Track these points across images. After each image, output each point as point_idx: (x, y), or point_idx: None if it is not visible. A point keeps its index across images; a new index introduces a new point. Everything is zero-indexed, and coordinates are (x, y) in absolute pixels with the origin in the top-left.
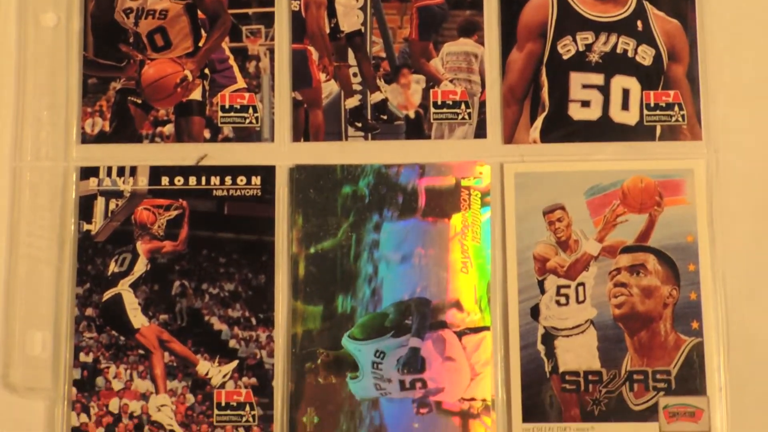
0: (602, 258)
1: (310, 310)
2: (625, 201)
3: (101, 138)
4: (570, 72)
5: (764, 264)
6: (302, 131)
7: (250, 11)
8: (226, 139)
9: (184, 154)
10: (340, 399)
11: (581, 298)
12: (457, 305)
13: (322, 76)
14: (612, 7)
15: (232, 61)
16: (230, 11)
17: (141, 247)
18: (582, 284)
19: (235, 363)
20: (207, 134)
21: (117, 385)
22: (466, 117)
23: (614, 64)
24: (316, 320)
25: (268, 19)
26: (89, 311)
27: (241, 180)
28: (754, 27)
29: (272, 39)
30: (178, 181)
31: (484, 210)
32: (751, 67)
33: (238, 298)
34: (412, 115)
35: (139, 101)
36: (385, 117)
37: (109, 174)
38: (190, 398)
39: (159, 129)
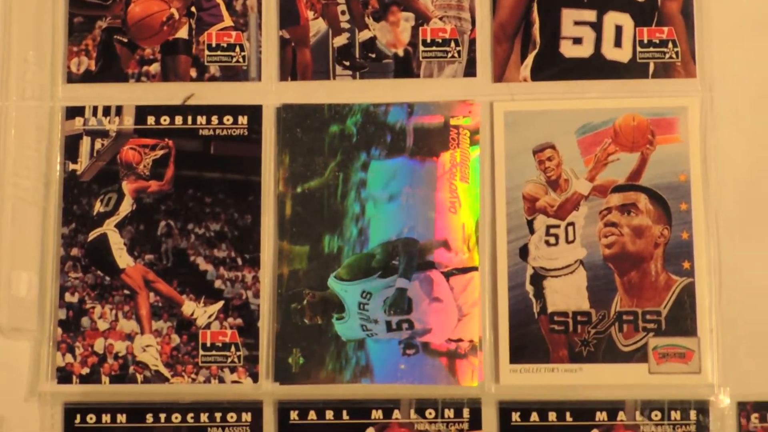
0: (593, 197)
1: (297, 250)
2: (617, 139)
3: (87, 77)
4: (562, 8)
5: (757, 203)
6: (290, 70)
7: None
8: (213, 78)
9: (171, 93)
10: (325, 340)
11: (571, 238)
12: (445, 245)
13: (310, 14)
14: None
15: None
16: None
17: (127, 186)
18: (572, 224)
19: (220, 303)
20: (193, 73)
21: (102, 326)
22: (456, 55)
23: (607, 0)
24: (303, 261)
25: None
26: (75, 251)
27: (228, 119)
28: None
29: None
30: (164, 120)
31: (473, 149)
32: (746, 4)
33: (224, 238)
34: (401, 53)
35: (125, 40)
36: (373, 55)
37: (94, 113)
38: (176, 338)
39: (145, 68)
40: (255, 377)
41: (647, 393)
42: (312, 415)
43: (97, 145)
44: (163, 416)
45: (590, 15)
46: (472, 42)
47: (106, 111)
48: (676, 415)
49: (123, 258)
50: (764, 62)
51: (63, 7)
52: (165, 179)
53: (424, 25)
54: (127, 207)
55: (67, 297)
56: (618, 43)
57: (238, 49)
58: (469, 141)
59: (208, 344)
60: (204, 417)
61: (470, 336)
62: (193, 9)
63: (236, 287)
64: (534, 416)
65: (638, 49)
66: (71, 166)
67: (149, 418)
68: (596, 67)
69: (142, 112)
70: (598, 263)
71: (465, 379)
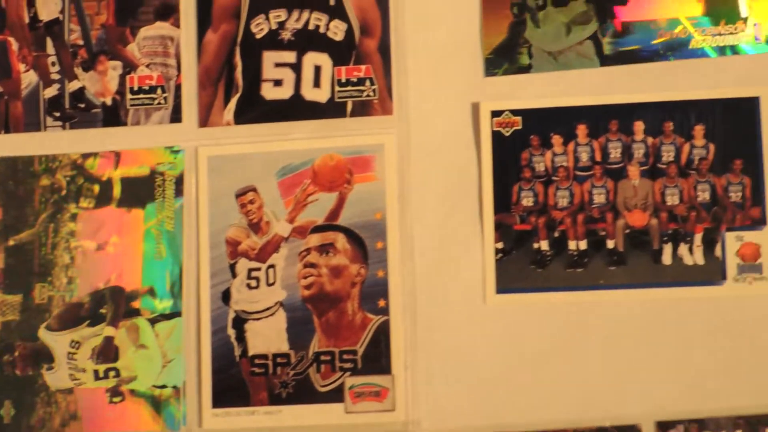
0: (293, 239)
1: (9, 300)
2: (316, 180)
3: None
4: (263, 51)
5: (451, 240)
6: (2, 123)
7: None
8: None
9: None
10: (35, 390)
11: (271, 280)
12: (151, 292)
13: (22, 67)
14: None
15: None
16: None
17: None
18: (272, 266)
19: None
20: None
21: None
22: (162, 101)
23: (306, 40)
24: (15, 311)
25: None
26: None
27: None
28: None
29: None
30: None
31: (177, 196)
32: (441, 41)
33: None
34: (108, 102)
35: None
36: (82, 105)
37: None
38: None
39: None
40: None
41: None
42: None
43: None
44: None
45: (290, 56)
46: (178, 88)
47: None
48: None
49: None
50: (458, 97)
51: None
52: None
53: (132, 73)
54: None
55: None
56: (317, 83)
57: None
58: (174, 189)
59: None
60: None
61: (174, 381)
62: None
63: None
64: None
65: (336, 88)
66: None
67: None
68: (296, 108)
69: None
70: (298, 305)
71: (169, 425)
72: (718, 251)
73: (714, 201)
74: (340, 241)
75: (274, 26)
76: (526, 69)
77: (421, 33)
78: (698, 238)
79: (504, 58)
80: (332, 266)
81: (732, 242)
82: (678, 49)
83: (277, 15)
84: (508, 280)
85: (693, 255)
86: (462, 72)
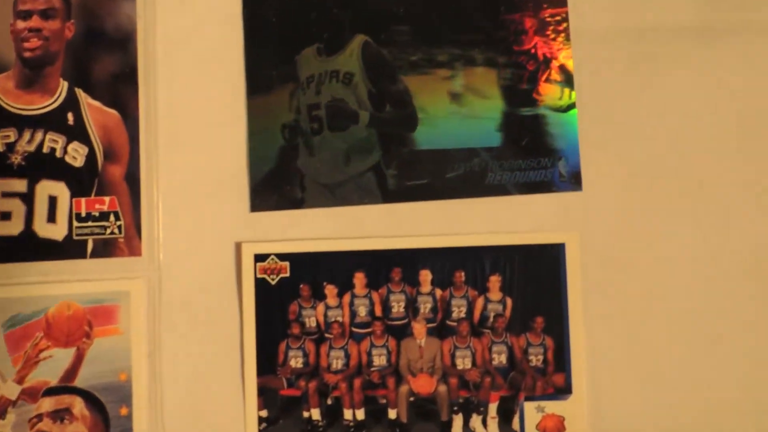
0: (21, 402)
1: None
2: (50, 332)
3: None
4: None
5: (208, 406)
6: None
7: None
8: None
9: None
10: None
11: None
12: None
13: None
14: (39, 97)
15: None
16: None
17: None
18: None
19: None
20: None
21: None
22: None
23: (40, 166)
24: None
25: None
26: None
27: None
28: (200, 118)
29: None
30: None
31: None
32: (202, 166)
33: None
34: None
35: None
36: None
37: None
38: None
39: None
40: None
41: None
42: None
43: None
44: None
45: (21, 185)
46: None
47: None
48: None
49: None
50: (218, 236)
51: None
52: None
53: None
54: None
55: None
56: (52, 217)
57: None
58: None
59: None
60: None
61: None
62: None
63: None
64: None
65: (75, 223)
66: None
67: None
68: (27, 247)
69: None
70: None
71: None
72: (515, 424)
73: (512, 365)
74: (78, 406)
75: (2, 148)
76: (298, 203)
77: (177, 159)
78: (493, 408)
79: (273, 191)
80: None
81: (532, 413)
82: (473, 184)
83: (6, 135)
84: None
85: (487, 428)
86: (224, 206)
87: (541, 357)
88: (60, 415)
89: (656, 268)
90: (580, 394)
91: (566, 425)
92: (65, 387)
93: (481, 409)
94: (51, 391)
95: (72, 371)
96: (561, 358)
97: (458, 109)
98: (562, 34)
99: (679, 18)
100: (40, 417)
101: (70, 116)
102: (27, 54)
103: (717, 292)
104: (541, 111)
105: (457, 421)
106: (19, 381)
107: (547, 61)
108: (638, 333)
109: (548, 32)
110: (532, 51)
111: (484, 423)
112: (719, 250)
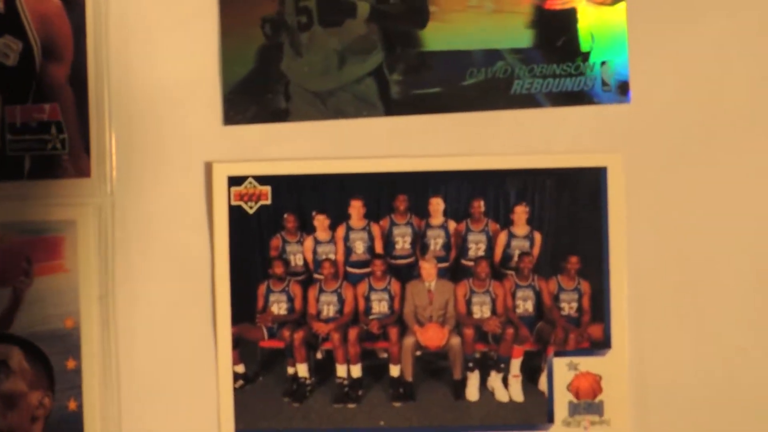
0: None
1: None
2: None
3: None
4: None
5: (174, 359)
6: None
7: None
8: None
9: None
10: None
11: None
12: None
13: None
14: None
15: None
16: None
17: None
18: None
19: None
20: None
21: None
22: None
23: None
24: None
25: None
26: None
27: None
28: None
29: None
30: None
31: None
32: (162, 66)
33: None
34: None
35: None
36: None
37: None
38: None
39: None
40: None
41: None
42: None
43: None
44: None
45: None
46: None
47: None
48: None
49: None
50: (184, 154)
51: None
52: None
53: None
54: None
55: None
56: None
57: None
58: None
59: None
60: None
61: None
62: None
63: None
64: None
65: (8, 136)
66: None
67: None
68: None
69: None
70: None
71: None
72: (542, 384)
73: (539, 314)
74: (15, 357)
75: None
76: (281, 115)
77: (132, 58)
78: (516, 364)
79: (251, 100)
80: (3, 393)
81: (562, 371)
82: (496, 93)
83: None
84: (252, 418)
85: (508, 388)
86: (191, 118)
87: (574, 305)
88: None
89: (714, 201)
90: (621, 349)
91: (603, 386)
92: (0, 335)
93: (502, 365)
94: None
95: (7, 316)
96: (599, 307)
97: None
98: None
99: None
100: None
101: (1, 4)
102: None
103: None
104: (582, 3)
105: (473, 379)
106: None
107: None
108: (689, 280)
109: None
110: None
111: (505, 382)
112: None
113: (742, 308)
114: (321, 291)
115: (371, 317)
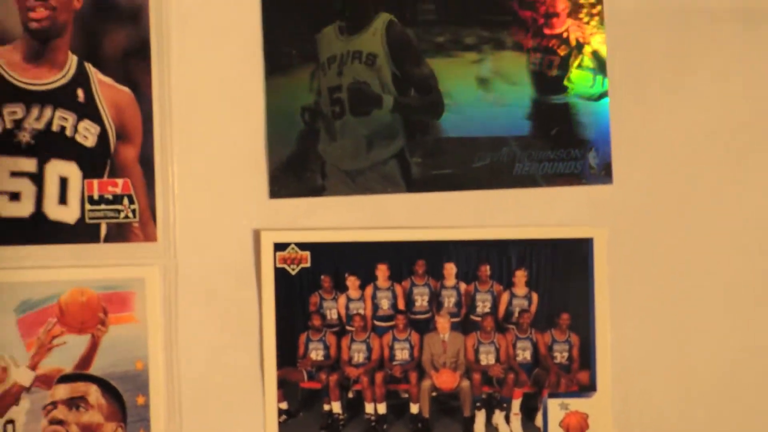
0: (36, 389)
1: None
2: (63, 319)
3: None
4: None
5: (226, 398)
6: None
7: None
8: None
9: None
10: None
11: None
12: None
13: None
14: (47, 71)
15: None
16: None
17: None
18: (11, 422)
19: None
20: None
21: None
22: None
23: (50, 145)
24: None
25: None
26: None
27: None
28: (216, 97)
29: None
30: None
31: None
32: (218, 149)
33: None
34: None
35: None
36: None
37: None
38: None
39: None
40: None
41: None
42: None
43: None
44: None
45: (30, 164)
46: None
47: None
48: None
49: None
50: (236, 223)
51: None
52: None
53: None
54: None
55: None
56: (63, 199)
57: None
58: None
59: None
60: None
61: None
62: None
63: None
64: None
65: (87, 206)
66: None
67: None
68: (38, 229)
69: None
70: None
71: None
72: (538, 421)
73: (536, 361)
74: (93, 394)
75: (9, 125)
76: (318, 191)
77: (192, 140)
78: (516, 404)
79: (293, 177)
80: (83, 424)
81: (555, 411)
82: (500, 174)
83: (13, 111)
84: None
85: (510, 425)
86: (242, 191)
87: (566, 354)
88: (75, 402)
89: (687, 267)
90: (605, 391)
91: (590, 423)
92: (80, 374)
93: (504, 405)
94: (66, 378)
95: (87, 358)
96: (586, 356)
97: (486, 95)
98: (596, 17)
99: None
100: (54, 404)
101: (80, 93)
102: (33, 25)
103: (751, 293)
104: (572, 99)
105: (480, 417)
106: (33, 367)
107: (579, 46)
108: (666, 332)
109: (581, 15)
110: (564, 35)
111: (507, 419)
112: (756, 250)
113: (712, 358)
114: (352, 341)
115: (395, 363)
